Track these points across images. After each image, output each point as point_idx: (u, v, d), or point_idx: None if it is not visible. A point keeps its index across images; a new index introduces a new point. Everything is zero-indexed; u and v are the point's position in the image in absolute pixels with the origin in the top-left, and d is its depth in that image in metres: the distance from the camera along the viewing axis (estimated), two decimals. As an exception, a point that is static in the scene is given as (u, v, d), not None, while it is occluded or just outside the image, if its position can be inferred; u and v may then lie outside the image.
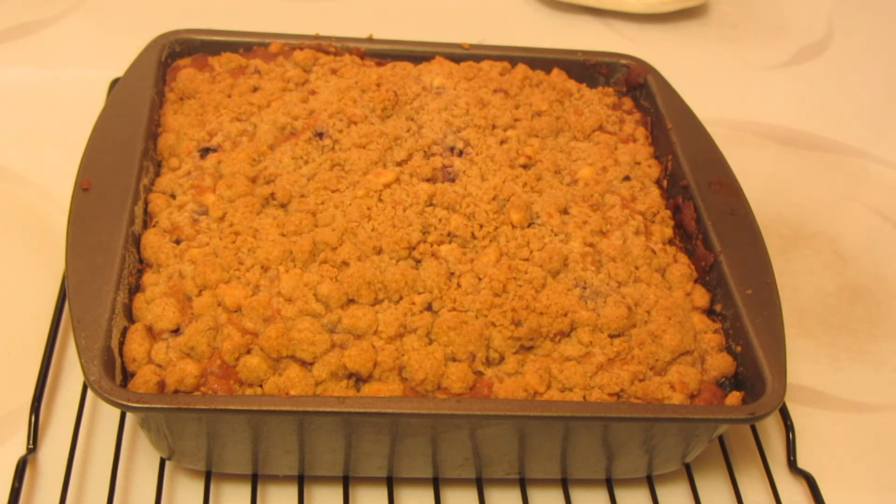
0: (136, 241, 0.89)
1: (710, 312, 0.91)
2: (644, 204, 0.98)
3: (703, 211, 0.96)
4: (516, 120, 1.04)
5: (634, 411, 0.79)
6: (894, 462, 0.97)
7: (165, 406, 0.75)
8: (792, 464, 0.92)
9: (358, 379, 0.81)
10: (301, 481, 0.86)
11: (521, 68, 1.12)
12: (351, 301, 0.84)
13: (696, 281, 0.93)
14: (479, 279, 0.86)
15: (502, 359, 0.83)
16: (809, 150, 1.36)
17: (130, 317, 0.84)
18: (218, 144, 0.98)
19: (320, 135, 0.99)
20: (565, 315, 0.85)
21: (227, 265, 0.85)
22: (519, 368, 0.83)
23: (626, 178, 1.01)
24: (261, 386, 0.80)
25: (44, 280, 1.02)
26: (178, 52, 1.10)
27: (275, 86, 1.05)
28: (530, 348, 0.84)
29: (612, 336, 0.85)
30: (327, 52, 1.12)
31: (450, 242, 0.89)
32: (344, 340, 0.82)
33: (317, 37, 1.13)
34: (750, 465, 0.93)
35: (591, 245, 0.92)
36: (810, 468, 0.91)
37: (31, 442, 0.86)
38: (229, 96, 1.04)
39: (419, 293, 0.85)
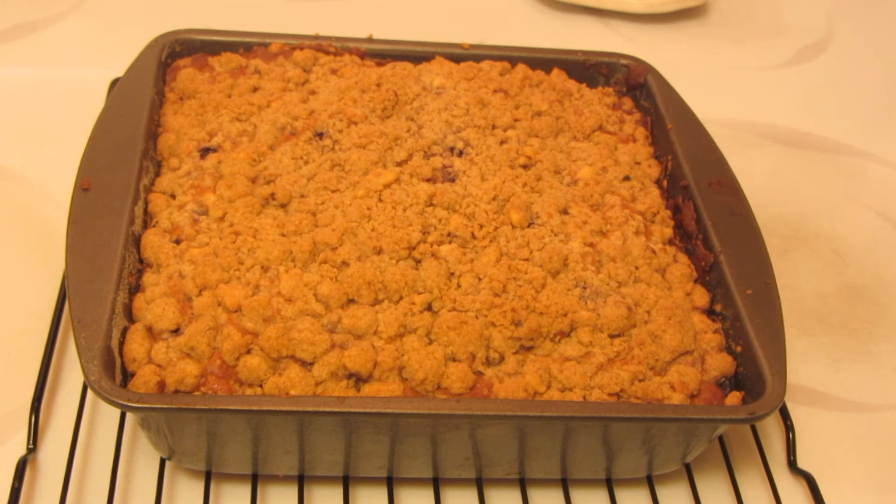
0: (136, 241, 0.89)
1: (710, 312, 0.91)
2: (644, 204, 0.98)
3: (703, 211, 0.96)
4: (516, 120, 1.04)
5: (634, 411, 0.79)
6: (894, 462, 0.97)
7: (165, 406, 0.75)
8: (792, 464, 0.92)
9: (358, 379, 0.81)
10: (301, 481, 0.86)
11: (521, 68, 1.12)
12: (351, 301, 0.84)
13: (696, 281, 0.93)
14: (479, 279, 0.86)
15: (502, 359, 0.83)
16: (809, 150, 1.36)
17: (130, 317, 0.84)
18: (218, 144, 0.98)
19: (320, 135, 0.99)
20: (565, 315, 0.85)
21: (227, 265, 0.85)
22: (519, 368, 0.83)
23: (626, 179, 1.01)
24: (261, 386, 0.80)
25: (44, 280, 1.02)
26: (178, 52, 1.10)
27: (275, 86, 1.05)
28: (530, 348, 0.84)
29: (612, 336, 0.85)
30: (327, 52, 1.12)
31: (450, 242, 0.89)
32: (344, 340, 0.82)
33: (317, 37, 1.13)
34: (750, 465, 0.93)
35: (591, 245, 0.92)
36: (810, 468, 0.92)
37: (31, 442, 0.86)
38: (229, 96, 1.04)
39: (419, 293, 0.85)
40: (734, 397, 0.84)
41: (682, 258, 0.95)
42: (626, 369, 0.83)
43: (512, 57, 1.15)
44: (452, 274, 0.87)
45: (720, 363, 0.86)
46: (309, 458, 0.83)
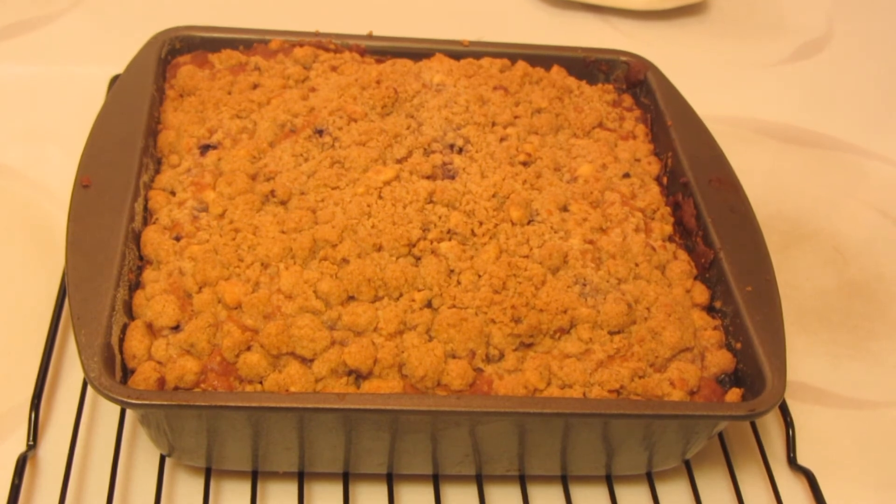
0: (136, 238, 0.89)
1: (709, 309, 0.91)
2: (644, 201, 0.98)
3: (703, 208, 0.96)
4: (516, 117, 1.04)
5: (634, 408, 0.79)
6: (894, 459, 0.97)
7: (165, 403, 0.75)
8: (792, 460, 0.92)
9: (358, 376, 0.81)
10: (301, 478, 0.86)
11: (521, 65, 1.12)
12: (351, 298, 0.84)
13: (695, 278, 0.93)
14: (479, 276, 0.86)
15: (502, 356, 0.83)
16: (809, 146, 1.36)
17: (130, 314, 0.84)
18: (218, 141, 0.98)
19: (320, 132, 0.99)
20: (565, 312, 0.85)
21: (227, 262, 0.85)
22: (519, 365, 0.83)
23: (626, 175, 1.01)
24: (261, 383, 0.80)
25: (44, 277, 1.02)
26: (177, 48, 1.10)
27: (275, 83, 1.05)
28: (530, 345, 0.84)
29: (611, 333, 0.85)
30: (327, 49, 1.12)
31: (450, 240, 0.89)
32: (344, 337, 0.82)
33: (317, 34, 1.13)
34: (750, 462, 0.94)
35: (590, 242, 0.91)
36: (810, 465, 0.92)
37: (31, 439, 0.86)
38: (229, 93, 1.04)
39: (419, 290, 0.85)
40: (734, 394, 0.84)
41: (682, 255, 0.95)
42: (626, 366, 0.83)
43: (512, 54, 1.15)
44: (452, 271, 0.87)
45: (720, 360, 0.86)
46: (309, 454, 0.83)
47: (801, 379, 1.03)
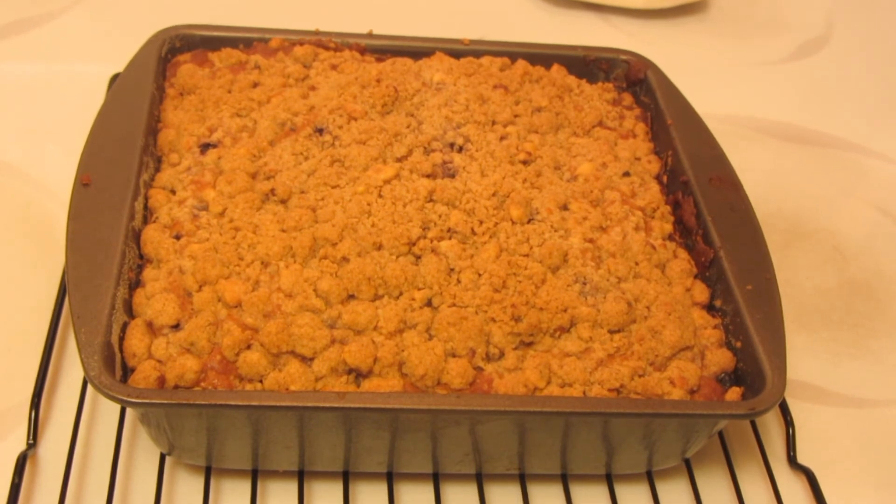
0: (136, 237, 0.89)
1: (709, 308, 0.91)
2: (644, 200, 0.98)
3: (703, 206, 0.96)
4: (516, 116, 1.04)
5: (634, 407, 0.79)
6: (894, 458, 0.97)
7: (165, 401, 0.75)
8: (792, 459, 0.92)
9: (358, 374, 0.81)
10: (301, 476, 0.86)
11: (521, 64, 1.12)
12: (351, 297, 0.84)
13: (695, 276, 0.93)
14: (479, 275, 0.86)
15: (502, 354, 0.83)
16: (809, 145, 1.36)
17: (130, 312, 0.84)
18: (218, 140, 0.98)
19: (320, 131, 0.99)
20: (565, 311, 0.85)
21: (227, 261, 0.85)
22: (519, 364, 0.83)
23: (626, 174, 1.01)
24: (261, 381, 0.80)
25: (44, 275, 1.02)
26: (178, 47, 1.10)
27: (275, 81, 1.05)
28: (530, 344, 0.84)
29: (611, 332, 0.85)
30: (327, 48, 1.12)
31: (450, 238, 0.89)
32: (344, 336, 0.82)
33: (317, 32, 1.13)
34: (750, 461, 0.94)
35: (590, 241, 0.91)
36: (810, 464, 0.92)
37: (31, 437, 0.86)
38: (229, 92, 1.04)
39: (419, 289, 0.85)
40: (734, 393, 0.84)
41: (682, 254, 0.95)
42: (626, 365, 0.83)
43: (512, 53, 1.15)
44: (452, 270, 0.87)
45: (720, 359, 0.86)
46: (309, 453, 0.83)
47: (802, 377, 1.03)
